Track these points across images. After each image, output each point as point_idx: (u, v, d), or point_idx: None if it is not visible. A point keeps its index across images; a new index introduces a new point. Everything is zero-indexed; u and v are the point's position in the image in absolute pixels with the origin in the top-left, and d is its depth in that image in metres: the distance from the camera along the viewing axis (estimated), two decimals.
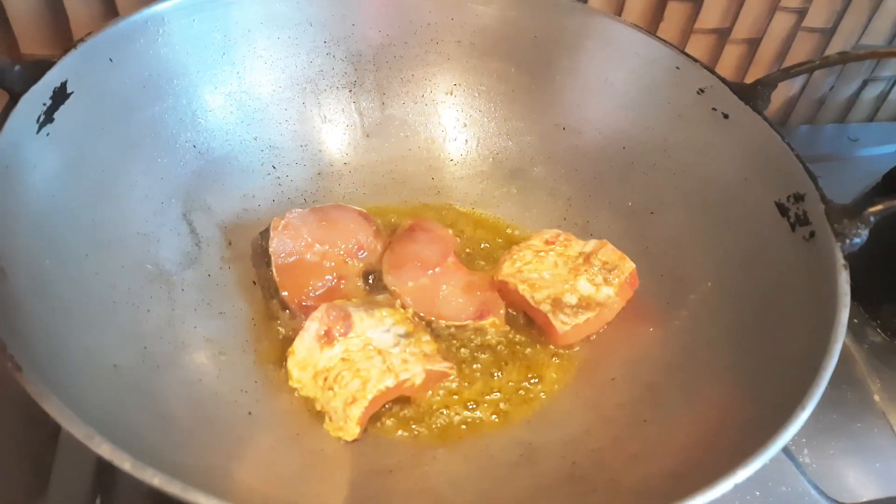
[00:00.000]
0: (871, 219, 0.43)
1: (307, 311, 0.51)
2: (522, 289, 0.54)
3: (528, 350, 0.54)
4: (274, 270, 0.53)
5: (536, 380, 0.52)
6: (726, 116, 0.55)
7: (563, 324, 0.52)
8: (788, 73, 0.52)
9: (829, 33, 0.84)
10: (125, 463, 0.31)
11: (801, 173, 0.48)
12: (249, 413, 0.47)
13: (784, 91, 0.89)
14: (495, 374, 0.52)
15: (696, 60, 0.57)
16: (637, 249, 0.56)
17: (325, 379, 0.47)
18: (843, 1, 0.80)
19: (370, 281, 0.56)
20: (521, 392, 0.51)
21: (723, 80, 0.55)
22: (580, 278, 0.54)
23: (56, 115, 0.44)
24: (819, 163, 0.83)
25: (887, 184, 0.76)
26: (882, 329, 0.66)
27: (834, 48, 0.85)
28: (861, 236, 0.43)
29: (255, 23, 0.57)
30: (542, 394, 0.51)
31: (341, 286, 0.54)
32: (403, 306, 0.53)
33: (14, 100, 0.42)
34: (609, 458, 0.45)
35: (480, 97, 0.65)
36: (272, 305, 0.53)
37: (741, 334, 0.48)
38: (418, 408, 0.50)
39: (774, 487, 0.53)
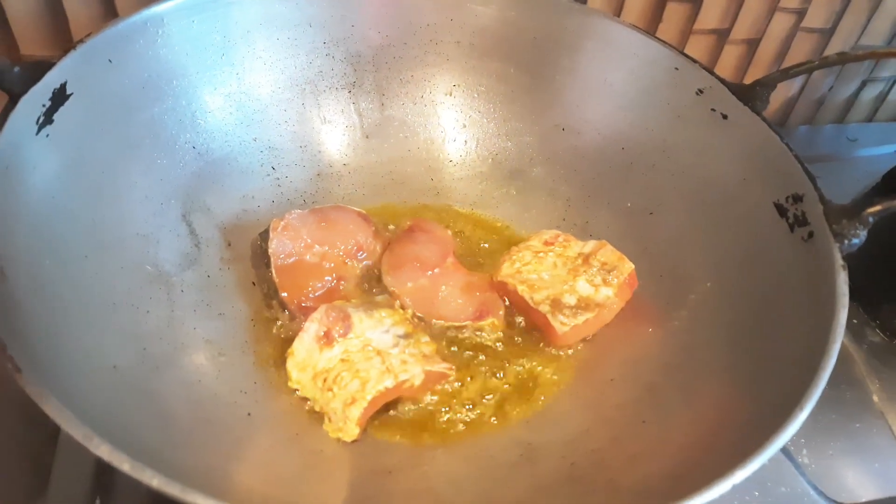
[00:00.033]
0: (870, 219, 0.43)
1: (306, 311, 0.51)
2: (521, 289, 0.54)
3: (527, 351, 0.54)
4: (273, 271, 0.53)
5: (535, 380, 0.52)
6: (725, 117, 0.55)
7: (562, 324, 0.52)
8: (787, 73, 0.52)
9: (828, 34, 0.84)
10: (124, 464, 0.31)
11: (800, 174, 0.48)
12: (249, 414, 0.47)
13: (783, 91, 0.89)
14: (494, 375, 0.52)
15: (695, 61, 0.57)
16: (636, 250, 0.56)
17: (325, 380, 0.47)
18: (842, 1, 0.81)
19: (369, 282, 0.56)
20: (521, 392, 0.51)
21: (722, 80, 0.55)
22: (579, 279, 0.54)
23: (55, 117, 0.44)
24: (818, 163, 0.83)
25: (886, 184, 0.76)
26: (881, 329, 0.66)
27: (833, 49, 0.85)
28: (860, 237, 0.43)
29: (254, 24, 0.58)
30: (541, 394, 0.51)
31: (340, 287, 0.54)
32: (403, 307, 0.53)
33: (13, 101, 0.42)
34: (608, 458, 0.45)
35: (480, 98, 0.65)
36: (271, 306, 0.53)
37: (740, 334, 0.48)
38: (417, 408, 0.50)
39: (773, 488, 0.53)
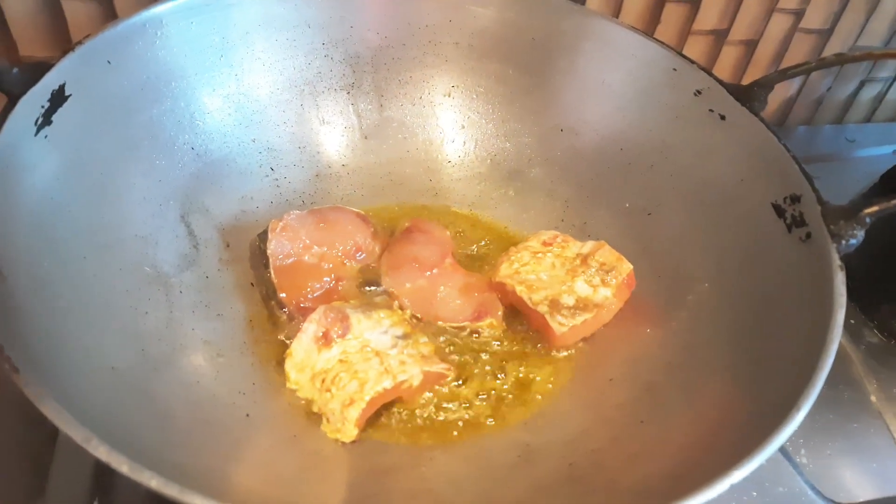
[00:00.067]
0: (867, 220, 0.43)
1: (305, 312, 0.51)
2: (520, 290, 0.54)
3: (526, 351, 0.54)
4: (272, 272, 0.53)
5: (534, 381, 0.52)
6: (723, 118, 0.55)
7: (560, 325, 0.52)
8: (785, 74, 0.52)
9: (826, 34, 0.84)
10: (122, 465, 0.31)
11: (798, 175, 0.48)
12: (247, 415, 0.47)
13: (782, 92, 0.89)
14: (492, 376, 0.52)
15: (693, 62, 0.57)
16: (634, 250, 0.56)
17: (323, 380, 0.47)
18: (840, 2, 0.81)
19: (368, 283, 0.56)
20: (519, 393, 0.52)
21: (720, 81, 0.55)
22: (578, 279, 0.54)
23: (54, 118, 0.44)
24: (816, 163, 0.83)
25: (885, 184, 0.76)
26: (879, 330, 0.66)
27: (831, 49, 0.85)
28: (857, 237, 0.43)
29: (253, 25, 0.58)
30: (539, 395, 0.52)
31: (339, 288, 0.54)
32: (401, 308, 0.53)
33: (12, 102, 0.42)
34: (608, 458, 0.45)
35: (478, 99, 0.66)
36: (270, 307, 0.53)
37: (739, 334, 0.48)
38: (416, 409, 0.50)
39: (771, 488, 0.53)
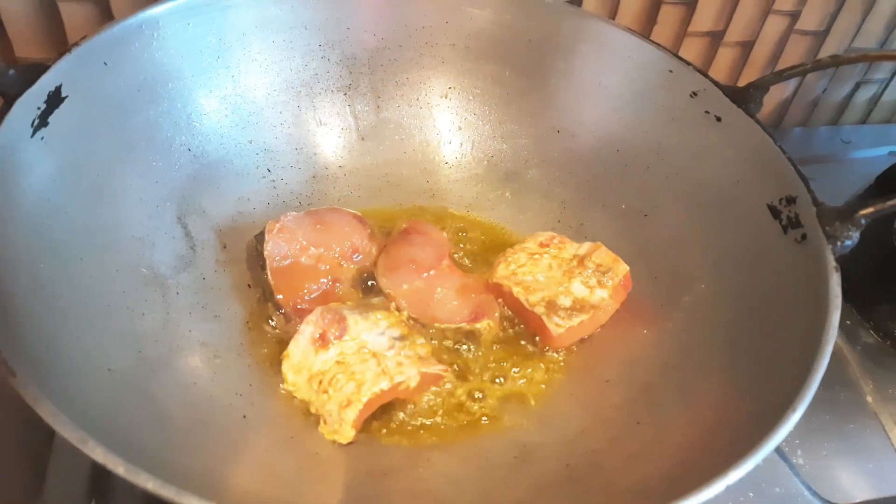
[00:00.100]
0: (863, 221, 0.43)
1: (302, 314, 0.51)
2: (517, 291, 0.54)
3: (523, 352, 0.54)
4: (269, 273, 0.53)
5: (531, 382, 0.52)
6: (719, 119, 0.55)
7: (557, 326, 0.52)
8: (781, 76, 0.53)
9: (821, 36, 0.84)
10: (119, 467, 0.31)
11: (793, 176, 0.48)
12: (244, 416, 0.47)
13: (777, 93, 0.89)
14: (490, 377, 0.52)
15: (688, 64, 0.57)
16: (631, 252, 0.56)
17: (320, 382, 0.47)
18: (835, 4, 0.81)
19: (365, 284, 0.56)
20: (517, 394, 0.52)
21: (715, 83, 0.55)
22: (574, 281, 0.54)
23: (51, 119, 0.44)
24: (812, 165, 0.83)
25: (880, 185, 0.77)
26: (875, 330, 0.66)
27: (827, 51, 0.85)
28: (852, 239, 0.44)
29: (249, 26, 0.58)
30: (537, 396, 0.52)
31: (336, 289, 0.54)
32: (398, 309, 0.53)
33: (8, 103, 0.42)
34: (605, 458, 0.45)
35: (475, 100, 0.66)
36: (267, 308, 0.53)
37: (736, 335, 0.48)
38: (413, 410, 0.50)
39: (768, 488, 0.53)
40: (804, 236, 0.46)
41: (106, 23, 0.50)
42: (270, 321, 0.53)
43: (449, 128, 0.66)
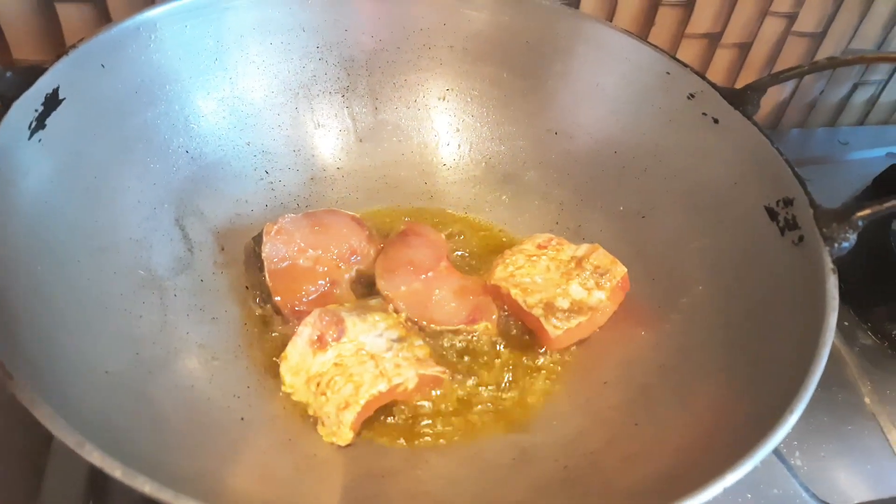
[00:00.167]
0: (860, 223, 0.43)
1: (300, 315, 0.51)
2: (515, 293, 0.54)
3: (521, 354, 0.54)
4: (267, 275, 0.53)
5: (529, 384, 0.52)
6: (716, 121, 0.55)
7: (555, 328, 0.52)
8: (778, 78, 0.53)
9: (819, 38, 0.84)
10: (116, 470, 0.31)
11: (791, 178, 0.48)
12: (242, 418, 0.47)
13: (775, 95, 0.89)
14: (488, 378, 0.52)
15: (686, 66, 0.57)
16: (629, 253, 0.57)
17: (318, 384, 0.47)
18: (833, 6, 0.81)
19: (363, 286, 0.56)
20: (515, 395, 0.52)
21: (713, 85, 0.55)
22: (572, 282, 0.55)
23: (48, 121, 0.44)
24: (810, 166, 0.83)
25: (878, 187, 0.77)
26: (872, 332, 0.67)
27: (824, 52, 0.86)
28: (849, 240, 0.44)
29: (247, 28, 0.58)
30: (535, 397, 0.52)
31: (334, 291, 0.54)
32: (396, 311, 0.53)
33: (6, 106, 0.42)
34: (603, 460, 0.45)
35: (473, 102, 0.66)
36: (265, 310, 0.53)
37: (734, 337, 0.49)
38: (411, 412, 0.50)
39: (766, 490, 0.53)
40: (801, 238, 0.46)
41: (103, 25, 0.50)
42: (268, 323, 0.53)
43: (447, 129, 0.66)
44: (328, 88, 0.63)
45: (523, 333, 0.55)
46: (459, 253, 0.61)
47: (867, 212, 0.43)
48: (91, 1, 0.61)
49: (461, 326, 0.54)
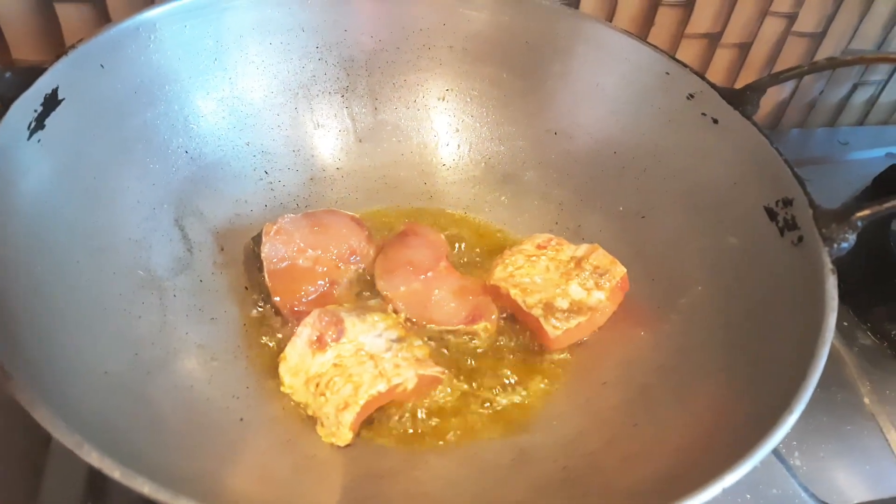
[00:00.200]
0: (859, 223, 0.43)
1: (299, 316, 0.51)
2: (514, 293, 0.54)
3: (520, 354, 0.54)
4: (266, 276, 0.53)
5: (528, 384, 0.52)
6: (716, 122, 0.55)
7: (554, 328, 0.52)
8: (777, 78, 0.53)
9: (818, 38, 0.84)
10: (114, 472, 0.31)
11: (790, 178, 0.48)
12: (241, 419, 0.46)
13: (775, 95, 0.89)
14: (487, 379, 0.52)
15: (685, 66, 0.57)
16: (628, 254, 0.57)
17: (317, 384, 0.47)
18: (832, 6, 0.81)
19: (362, 286, 0.56)
20: (513, 396, 0.52)
21: (712, 85, 0.55)
22: (572, 283, 0.55)
23: (47, 122, 0.44)
24: (810, 166, 0.83)
25: (877, 187, 0.77)
26: (872, 332, 0.67)
27: (824, 52, 0.86)
28: (849, 241, 0.44)
29: (247, 28, 0.58)
30: (534, 398, 0.52)
31: (333, 291, 0.54)
32: (395, 311, 0.53)
33: (5, 106, 0.42)
34: (603, 460, 0.45)
35: (472, 102, 0.66)
36: (264, 311, 0.53)
37: (733, 337, 0.49)
38: (410, 413, 0.50)
39: (765, 490, 0.53)
40: (801, 238, 0.46)
41: (103, 25, 0.50)
42: (268, 324, 0.53)
43: (446, 130, 0.66)
44: (328, 89, 0.63)
45: (522, 334, 0.55)
46: (459, 253, 0.61)
47: (866, 212, 0.43)
48: (90, 1, 0.61)
49: (460, 327, 0.54)
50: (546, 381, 0.53)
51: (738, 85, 0.55)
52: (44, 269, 0.42)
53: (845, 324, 0.67)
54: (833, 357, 0.40)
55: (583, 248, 0.57)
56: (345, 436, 0.46)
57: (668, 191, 0.58)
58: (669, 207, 0.58)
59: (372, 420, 0.48)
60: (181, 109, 0.55)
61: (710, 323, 0.51)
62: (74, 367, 0.40)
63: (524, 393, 0.52)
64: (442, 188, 0.65)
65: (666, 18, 0.77)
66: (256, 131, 0.60)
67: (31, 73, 0.44)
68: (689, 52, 0.81)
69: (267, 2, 0.57)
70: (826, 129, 0.95)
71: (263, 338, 0.52)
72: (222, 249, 0.56)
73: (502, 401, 0.51)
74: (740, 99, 0.54)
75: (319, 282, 0.54)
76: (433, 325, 0.54)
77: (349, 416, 0.45)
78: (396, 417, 0.49)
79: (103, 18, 0.62)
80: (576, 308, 0.53)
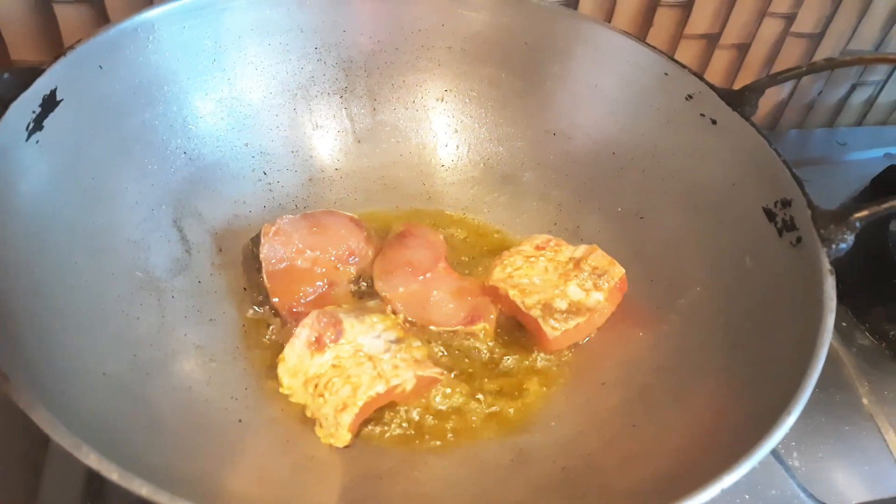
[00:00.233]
0: (857, 224, 0.43)
1: (298, 317, 0.51)
2: (513, 294, 0.54)
3: (519, 355, 0.54)
4: (265, 277, 0.53)
5: (527, 385, 0.52)
6: (714, 122, 0.55)
7: (553, 329, 0.52)
8: (776, 79, 0.53)
9: (817, 39, 0.84)
10: (113, 473, 0.31)
11: (788, 179, 0.48)
12: (240, 420, 0.46)
13: (773, 96, 0.89)
14: (486, 380, 0.52)
15: (684, 67, 0.57)
16: (627, 254, 0.57)
17: (316, 385, 0.47)
18: (831, 6, 0.81)
19: (361, 287, 0.56)
20: (512, 397, 0.52)
21: (711, 86, 0.55)
22: (570, 283, 0.55)
23: (45, 123, 0.44)
24: (808, 167, 0.83)
25: (876, 188, 0.77)
26: (870, 332, 0.67)
27: (822, 53, 0.86)
28: (847, 242, 0.44)
29: (245, 29, 0.58)
30: (533, 399, 0.52)
31: (332, 292, 0.54)
32: (394, 312, 0.53)
33: (3, 107, 0.42)
34: (602, 461, 0.45)
35: (471, 103, 0.66)
36: (263, 312, 0.53)
37: (732, 338, 0.49)
38: (409, 413, 0.50)
39: (764, 491, 0.53)
40: (799, 239, 0.46)
41: (101, 26, 0.50)
42: (266, 325, 0.53)
43: (445, 130, 0.66)
44: (326, 89, 0.63)
45: (521, 334, 0.55)
46: (457, 254, 0.61)
47: (865, 213, 0.43)
48: (89, 2, 0.61)
49: (459, 327, 0.54)
50: (545, 381, 0.53)
51: (737, 86, 0.55)
52: (42, 270, 0.42)
53: (844, 324, 0.67)
54: (832, 358, 0.40)
55: (581, 249, 0.57)
56: (343, 437, 0.46)
57: (666, 191, 0.58)
58: (668, 208, 0.58)
59: (371, 421, 0.48)
60: (180, 110, 0.55)
61: (709, 323, 0.51)
62: (73, 368, 0.40)
63: (523, 393, 0.52)
64: (441, 189, 0.65)
65: (664, 19, 0.77)
66: (255, 132, 0.60)
67: (30, 74, 0.44)
68: (688, 52, 0.81)
69: (265, 3, 0.57)
70: (824, 129, 0.95)
71: (262, 339, 0.52)
72: (221, 250, 0.56)
73: (501, 401, 0.51)
74: (739, 99, 0.54)
75: (318, 283, 0.54)
76: (432, 326, 0.54)
77: (348, 417, 0.45)
78: (395, 418, 0.49)
79: (102, 19, 0.62)
80: (574, 309, 0.54)
